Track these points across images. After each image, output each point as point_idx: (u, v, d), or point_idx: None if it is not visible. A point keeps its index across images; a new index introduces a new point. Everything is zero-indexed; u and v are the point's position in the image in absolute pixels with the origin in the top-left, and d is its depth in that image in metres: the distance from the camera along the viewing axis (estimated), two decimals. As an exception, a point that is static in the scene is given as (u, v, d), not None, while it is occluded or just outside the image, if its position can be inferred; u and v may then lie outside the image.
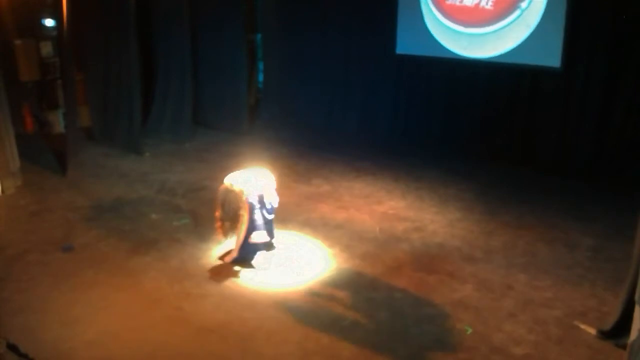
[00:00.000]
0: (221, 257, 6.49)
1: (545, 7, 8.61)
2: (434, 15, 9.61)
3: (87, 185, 8.57)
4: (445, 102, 9.89)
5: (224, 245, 6.59)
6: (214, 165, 9.13)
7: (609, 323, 5.19)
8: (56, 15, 9.49)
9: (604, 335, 5.20)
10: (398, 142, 10.35)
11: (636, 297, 4.50)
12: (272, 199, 6.36)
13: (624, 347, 4.82)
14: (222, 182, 6.39)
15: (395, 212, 7.80)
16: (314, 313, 5.59)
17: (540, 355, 5.04)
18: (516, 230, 7.26)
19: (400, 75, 10.28)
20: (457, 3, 9.37)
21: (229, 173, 6.41)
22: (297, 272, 6.28)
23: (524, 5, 8.79)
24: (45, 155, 9.58)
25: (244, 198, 6.09)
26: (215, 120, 11.00)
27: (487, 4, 9.10)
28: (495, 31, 9.11)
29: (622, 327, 4.97)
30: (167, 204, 7.98)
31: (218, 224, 6.35)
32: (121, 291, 5.90)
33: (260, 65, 11.75)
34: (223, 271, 6.30)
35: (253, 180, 6.24)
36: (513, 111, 9.28)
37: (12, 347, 4.77)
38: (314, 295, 5.91)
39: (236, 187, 6.17)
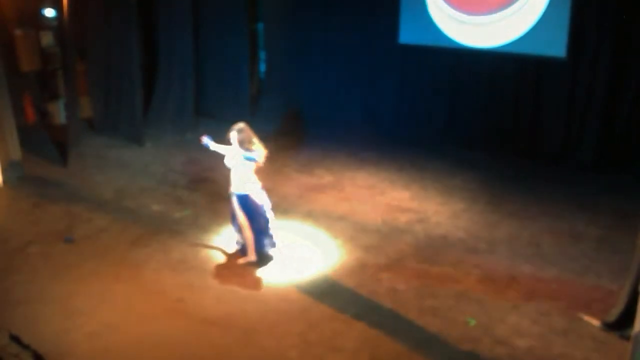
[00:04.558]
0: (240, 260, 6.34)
1: (550, -4, 8.51)
2: (437, 3, 9.49)
3: (88, 176, 8.54)
4: (450, 92, 9.80)
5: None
6: (215, 156, 9.05)
7: (614, 314, 5.17)
8: (56, 5, 9.41)
9: (609, 326, 5.17)
10: (402, 132, 10.26)
11: (641, 288, 4.47)
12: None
13: (628, 338, 4.78)
14: (222, 173, 6.37)
15: (399, 203, 7.75)
16: (316, 305, 5.56)
17: (544, 347, 5.01)
18: (521, 221, 7.21)
19: (404, 65, 10.17)
20: (461, -9, 9.26)
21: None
22: (300, 264, 6.25)
23: (529, -7, 8.69)
24: (46, 146, 9.52)
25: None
26: (216, 111, 10.93)
27: (491, -9, 8.99)
28: (499, 20, 8.99)
29: (626, 318, 4.95)
30: (168, 195, 7.94)
31: None
32: (122, 283, 5.89)
33: (262, 55, 11.67)
34: (224, 263, 6.28)
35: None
36: (518, 101, 9.19)
37: (15, 339, 4.77)
38: (316, 287, 5.88)
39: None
